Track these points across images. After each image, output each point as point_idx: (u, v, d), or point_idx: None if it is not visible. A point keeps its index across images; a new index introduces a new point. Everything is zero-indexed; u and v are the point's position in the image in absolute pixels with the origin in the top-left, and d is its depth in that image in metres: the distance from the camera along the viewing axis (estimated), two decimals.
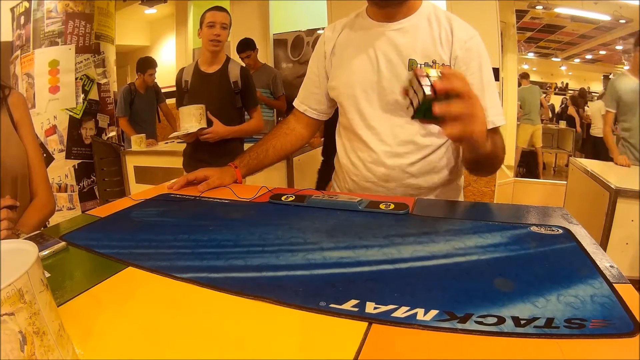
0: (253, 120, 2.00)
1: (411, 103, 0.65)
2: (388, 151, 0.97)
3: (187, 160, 2.04)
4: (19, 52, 2.96)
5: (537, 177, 4.80)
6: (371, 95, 0.97)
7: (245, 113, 2.02)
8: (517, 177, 4.11)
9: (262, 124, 2.04)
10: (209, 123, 1.79)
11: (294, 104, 1.15)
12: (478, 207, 0.87)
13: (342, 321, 0.45)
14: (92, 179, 3.01)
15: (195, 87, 1.92)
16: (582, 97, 5.54)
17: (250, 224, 0.76)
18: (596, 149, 4.60)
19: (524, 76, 5.08)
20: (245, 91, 1.95)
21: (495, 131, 0.92)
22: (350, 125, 1.01)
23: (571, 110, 5.27)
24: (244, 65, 2.05)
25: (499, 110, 0.92)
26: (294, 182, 2.39)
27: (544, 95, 5.58)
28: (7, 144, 0.95)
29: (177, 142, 1.86)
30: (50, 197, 1.04)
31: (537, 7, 4.61)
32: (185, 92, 1.95)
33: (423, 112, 0.63)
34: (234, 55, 3.29)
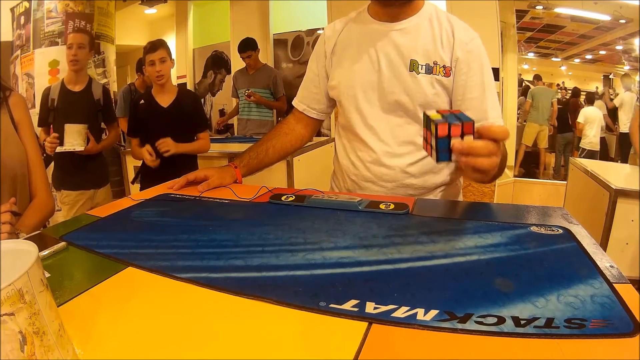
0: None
1: (429, 145, 0.64)
2: (388, 151, 0.97)
3: (59, 174, 2.17)
4: (19, 52, 2.96)
5: (537, 177, 4.79)
6: (371, 95, 0.97)
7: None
8: (516, 176, 4.12)
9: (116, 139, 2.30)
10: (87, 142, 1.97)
11: (293, 103, 1.15)
12: (478, 207, 0.87)
13: (342, 321, 0.45)
14: None
15: (64, 104, 2.03)
16: (575, 97, 5.55)
17: (250, 224, 0.76)
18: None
19: (537, 77, 5.18)
20: (106, 108, 2.17)
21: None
22: (350, 125, 1.01)
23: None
24: (102, 83, 2.32)
25: (498, 112, 0.92)
26: (294, 182, 2.39)
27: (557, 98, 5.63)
28: (7, 144, 0.95)
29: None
30: (50, 198, 1.05)
31: (537, 7, 4.61)
32: (52, 110, 2.04)
33: (445, 151, 0.62)
34: (236, 55, 3.30)
